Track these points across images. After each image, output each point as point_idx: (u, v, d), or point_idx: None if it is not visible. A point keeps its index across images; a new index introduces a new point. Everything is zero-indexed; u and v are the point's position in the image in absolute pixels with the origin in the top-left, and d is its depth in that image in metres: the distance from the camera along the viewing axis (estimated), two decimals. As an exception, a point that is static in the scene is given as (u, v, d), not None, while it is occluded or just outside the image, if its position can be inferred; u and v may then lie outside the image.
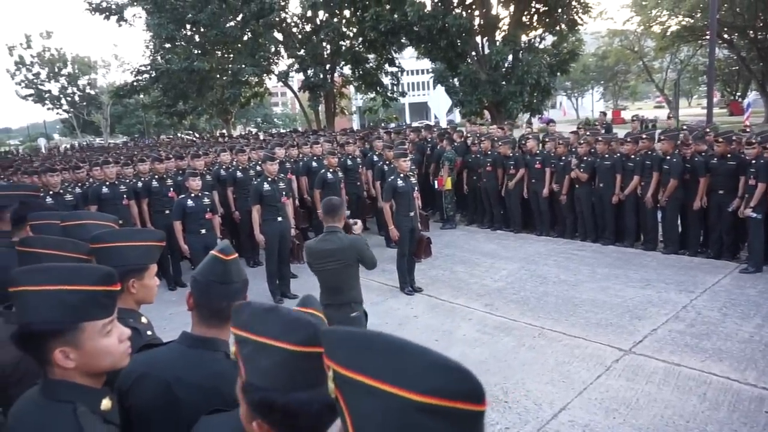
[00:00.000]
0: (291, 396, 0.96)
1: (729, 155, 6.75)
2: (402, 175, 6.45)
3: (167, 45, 24.17)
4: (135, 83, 25.13)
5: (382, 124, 23.15)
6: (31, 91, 43.77)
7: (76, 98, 46.64)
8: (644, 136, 7.81)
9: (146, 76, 24.51)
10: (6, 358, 1.69)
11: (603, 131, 10.20)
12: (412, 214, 6.50)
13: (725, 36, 29.21)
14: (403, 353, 0.63)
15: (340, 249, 3.82)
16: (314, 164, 8.61)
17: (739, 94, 37.62)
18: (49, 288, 1.25)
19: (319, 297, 3.77)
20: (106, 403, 1.31)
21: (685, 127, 8.91)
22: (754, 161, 6.33)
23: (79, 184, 7.64)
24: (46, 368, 1.27)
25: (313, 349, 0.93)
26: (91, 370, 1.29)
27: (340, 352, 0.68)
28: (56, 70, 44.41)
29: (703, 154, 7.03)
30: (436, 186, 9.57)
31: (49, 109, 46.14)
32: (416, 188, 6.87)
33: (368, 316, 4.36)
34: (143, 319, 1.92)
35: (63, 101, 46.26)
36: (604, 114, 14.00)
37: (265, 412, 0.99)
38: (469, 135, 10.76)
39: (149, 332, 1.89)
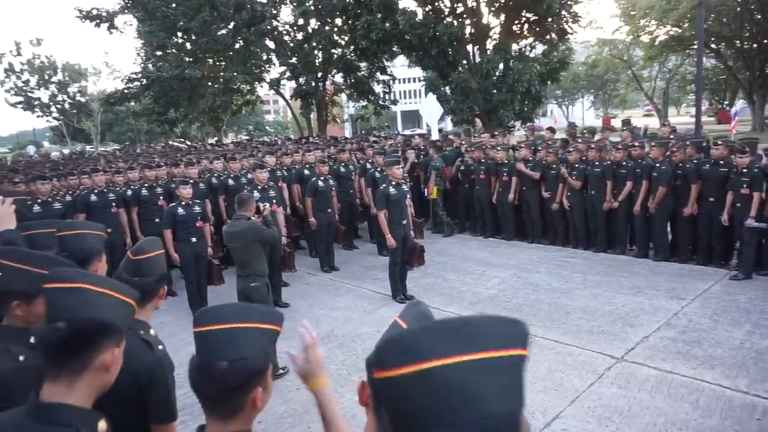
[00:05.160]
0: None
1: (722, 162, 6.73)
2: (394, 182, 6.44)
3: (158, 53, 24.12)
4: (126, 91, 24.98)
5: (374, 132, 23.19)
6: (21, 99, 43.41)
7: (66, 106, 46.34)
8: (636, 144, 7.82)
9: (137, 83, 24.37)
10: (5, 366, 1.56)
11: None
12: (404, 222, 6.47)
13: (712, 45, 29.63)
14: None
15: (242, 231, 4.84)
16: (306, 172, 8.59)
17: (726, 102, 38.13)
18: (111, 293, 1.35)
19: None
20: (102, 425, 1.27)
21: (672, 136, 8.94)
22: (745, 170, 6.32)
23: (70, 192, 7.57)
24: (54, 382, 1.22)
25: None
26: (111, 381, 1.34)
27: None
28: (46, 77, 44.11)
29: (695, 161, 7.07)
30: (426, 194, 9.60)
31: (38, 116, 45.89)
32: (408, 195, 6.86)
33: (361, 323, 4.37)
34: (152, 332, 1.91)
35: (53, 109, 45.95)
36: (593, 130, 13.58)
37: None
38: (463, 143, 10.78)
39: (160, 347, 1.87)
